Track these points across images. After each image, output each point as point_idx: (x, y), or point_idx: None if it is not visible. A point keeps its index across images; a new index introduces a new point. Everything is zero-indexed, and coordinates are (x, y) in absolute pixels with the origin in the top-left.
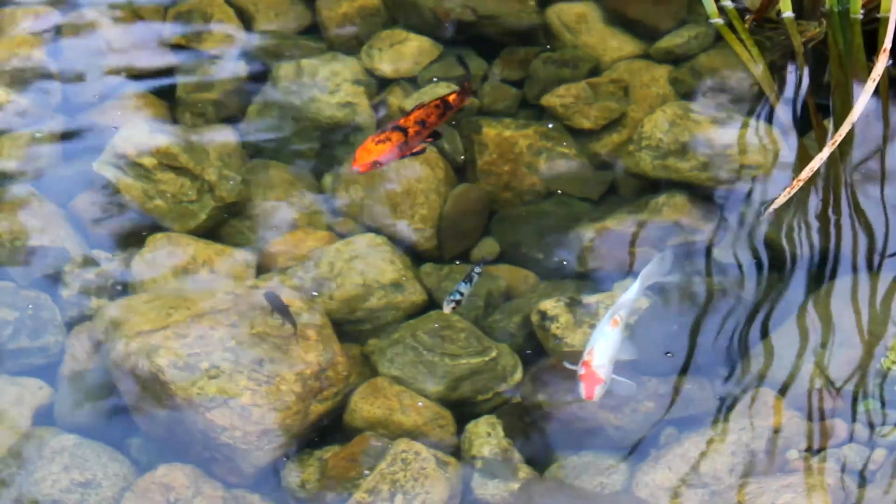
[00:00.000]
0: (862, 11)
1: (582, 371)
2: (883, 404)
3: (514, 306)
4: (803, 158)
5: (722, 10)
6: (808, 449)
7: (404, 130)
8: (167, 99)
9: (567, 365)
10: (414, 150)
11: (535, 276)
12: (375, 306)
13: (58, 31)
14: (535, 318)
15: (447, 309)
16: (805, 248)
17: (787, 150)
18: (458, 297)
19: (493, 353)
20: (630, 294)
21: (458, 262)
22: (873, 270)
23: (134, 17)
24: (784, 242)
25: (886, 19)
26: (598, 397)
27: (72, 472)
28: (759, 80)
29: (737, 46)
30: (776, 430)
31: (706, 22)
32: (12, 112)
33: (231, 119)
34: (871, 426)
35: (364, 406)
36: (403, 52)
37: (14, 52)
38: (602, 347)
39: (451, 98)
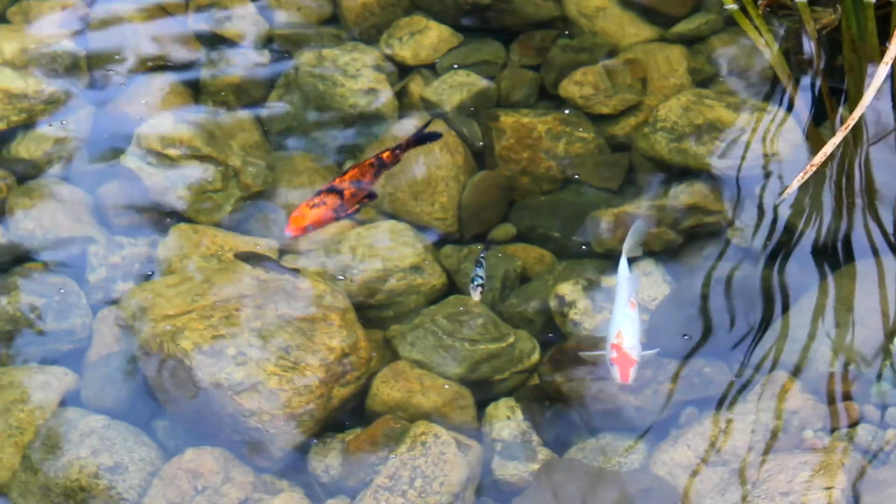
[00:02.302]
0: None
1: (613, 354)
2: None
3: (531, 290)
4: (817, 143)
5: None
6: (824, 429)
7: (340, 192)
8: (191, 88)
9: (584, 355)
10: (349, 212)
11: (552, 257)
12: (395, 288)
13: (85, 20)
14: (553, 302)
15: (476, 296)
16: (820, 232)
17: (801, 134)
18: (480, 281)
19: (511, 339)
20: (623, 272)
21: (479, 245)
22: (888, 253)
23: (158, 7)
24: (799, 226)
25: None
26: (633, 379)
27: (100, 457)
28: (774, 65)
29: (751, 32)
30: (793, 411)
31: (720, 8)
32: (40, 101)
33: (253, 107)
34: (885, 407)
35: (385, 389)
36: (423, 41)
37: (42, 42)
38: (629, 329)
39: (385, 155)
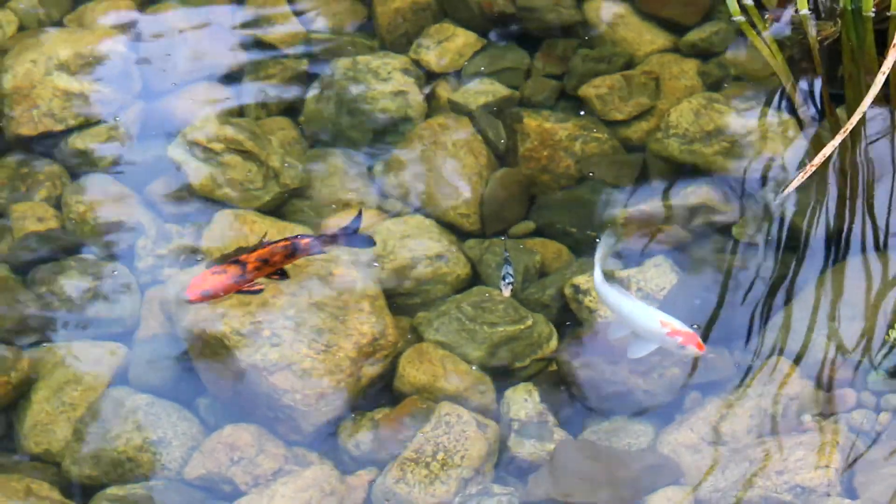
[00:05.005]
0: (873, 10)
1: (679, 339)
2: (889, 373)
3: (548, 281)
4: (817, 146)
5: (744, 9)
6: (821, 413)
7: (243, 265)
8: (234, 89)
9: (637, 356)
10: (252, 288)
11: (569, 252)
12: (423, 275)
13: (136, 25)
14: (568, 291)
15: (507, 292)
16: (819, 229)
17: (803, 138)
18: (510, 279)
19: (529, 322)
20: (601, 282)
21: (503, 237)
22: (882, 250)
23: (206, 13)
24: (800, 223)
25: None
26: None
27: (145, 431)
28: (778, 73)
29: (757, 42)
30: (791, 396)
31: (729, 19)
32: (95, 99)
33: (291, 109)
34: (878, 392)
35: (411, 371)
36: (449, 47)
37: (97, 44)
38: (663, 315)
39: (304, 242)
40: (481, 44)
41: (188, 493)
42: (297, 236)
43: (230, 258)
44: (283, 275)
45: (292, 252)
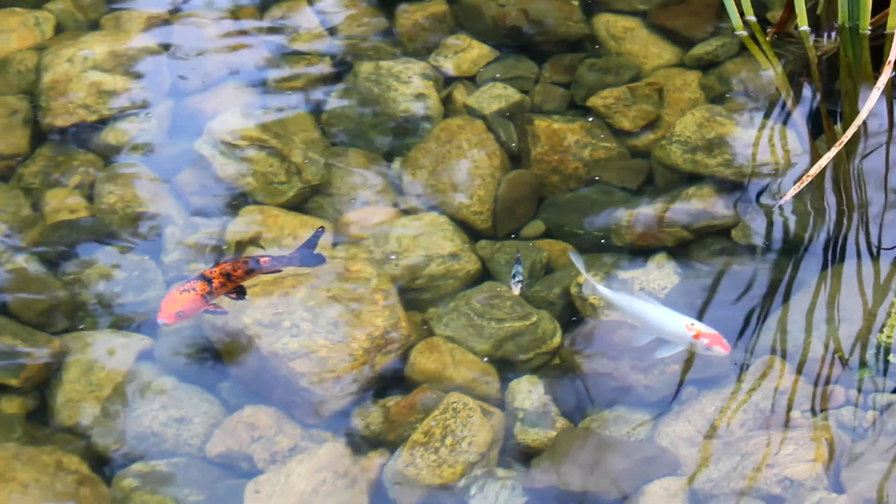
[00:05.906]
0: (870, 27)
1: (705, 341)
2: (877, 373)
3: (554, 279)
4: (814, 156)
5: (746, 24)
6: (811, 409)
7: (209, 281)
8: (260, 89)
9: (664, 355)
10: (217, 310)
11: (576, 251)
12: (435, 273)
13: (168, 28)
14: (573, 289)
15: (516, 291)
16: (814, 235)
17: (801, 149)
18: (520, 278)
19: (534, 318)
20: (607, 292)
21: (513, 237)
22: (873, 256)
23: (233, 17)
24: (796, 229)
25: (892, 35)
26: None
27: (169, 410)
28: (778, 86)
29: (759, 56)
30: (783, 393)
31: (733, 34)
32: (127, 96)
33: (315, 108)
34: (866, 391)
35: (421, 360)
36: (465, 56)
37: (131, 45)
38: (687, 318)
39: (263, 259)
40: (494, 55)
41: (209, 470)
42: (256, 255)
43: (197, 275)
44: (240, 294)
45: (252, 268)
